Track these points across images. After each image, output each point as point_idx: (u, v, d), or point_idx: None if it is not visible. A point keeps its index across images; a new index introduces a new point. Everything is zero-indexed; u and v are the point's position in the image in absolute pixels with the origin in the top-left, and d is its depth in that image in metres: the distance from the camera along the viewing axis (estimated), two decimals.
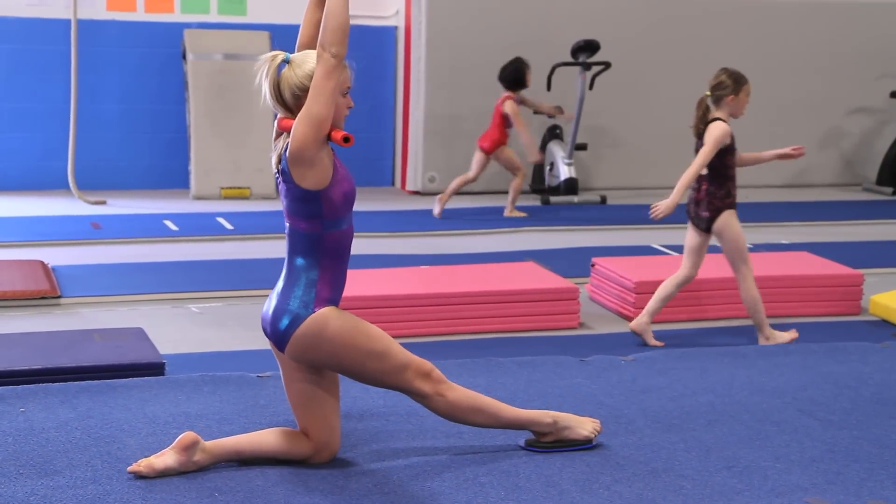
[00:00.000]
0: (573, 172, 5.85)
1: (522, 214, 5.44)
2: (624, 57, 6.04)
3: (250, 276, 4.05)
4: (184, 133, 5.91)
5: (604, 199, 5.90)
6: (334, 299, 2.19)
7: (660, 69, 6.28)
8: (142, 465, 2.15)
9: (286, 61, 2.15)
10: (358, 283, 3.49)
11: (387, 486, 2.17)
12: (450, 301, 3.41)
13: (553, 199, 5.82)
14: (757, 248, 4.75)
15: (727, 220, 3.37)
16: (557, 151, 5.91)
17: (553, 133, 6.01)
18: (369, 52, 6.11)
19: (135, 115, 5.88)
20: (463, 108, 6.04)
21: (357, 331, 2.17)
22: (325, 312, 2.16)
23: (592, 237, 4.96)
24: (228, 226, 5.00)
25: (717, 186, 3.37)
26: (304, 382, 2.20)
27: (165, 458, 2.15)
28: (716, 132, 3.32)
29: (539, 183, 6.03)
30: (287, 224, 2.20)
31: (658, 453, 2.35)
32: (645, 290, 3.60)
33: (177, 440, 2.17)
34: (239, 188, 5.78)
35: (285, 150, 2.15)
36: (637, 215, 5.58)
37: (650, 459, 2.32)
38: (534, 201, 5.89)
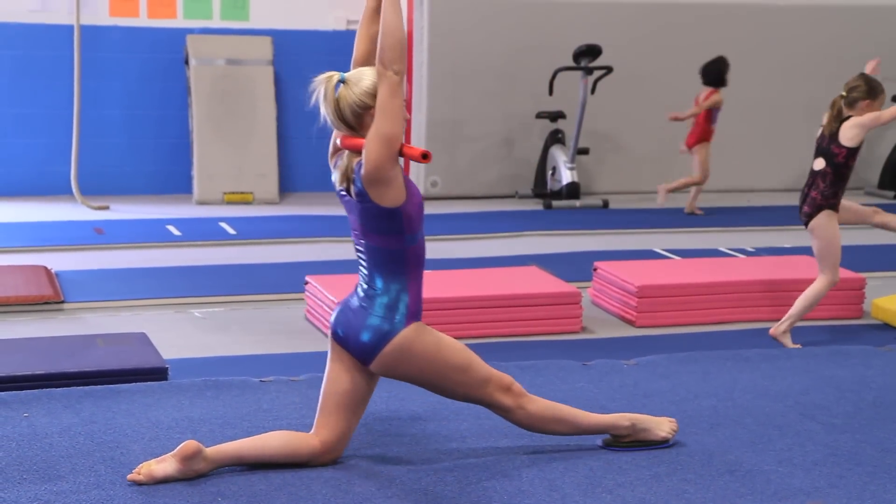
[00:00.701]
0: (575, 177, 5.86)
1: (700, 213, 5.62)
2: (626, 61, 6.05)
3: (253, 280, 4.06)
4: (186, 138, 5.92)
5: (606, 204, 5.91)
6: (419, 312, 2.23)
7: (661, 74, 6.29)
8: (142, 472, 2.15)
9: (342, 81, 2.17)
10: None
11: (390, 489, 2.18)
12: (452, 305, 3.42)
13: (555, 203, 5.83)
14: (759, 251, 4.76)
15: (824, 220, 3.31)
16: (559, 155, 5.92)
17: (555, 137, 6.02)
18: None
19: (137, 120, 5.90)
20: (465, 114, 6.05)
21: (442, 345, 2.22)
22: (414, 328, 2.21)
23: (595, 241, 4.97)
24: (231, 231, 5.01)
25: (830, 185, 3.32)
26: (353, 388, 2.23)
27: (166, 465, 2.15)
28: (864, 118, 3.27)
29: (541, 187, 6.04)
30: (363, 241, 2.21)
31: (661, 457, 2.35)
32: (647, 294, 3.60)
33: (178, 448, 2.17)
34: (241, 193, 5.79)
35: (357, 172, 2.16)
36: (639, 219, 5.60)
37: (653, 463, 2.32)
38: (536, 205, 5.89)
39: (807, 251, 4.56)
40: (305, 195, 6.06)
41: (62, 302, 3.65)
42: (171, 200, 5.77)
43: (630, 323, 3.62)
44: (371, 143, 2.11)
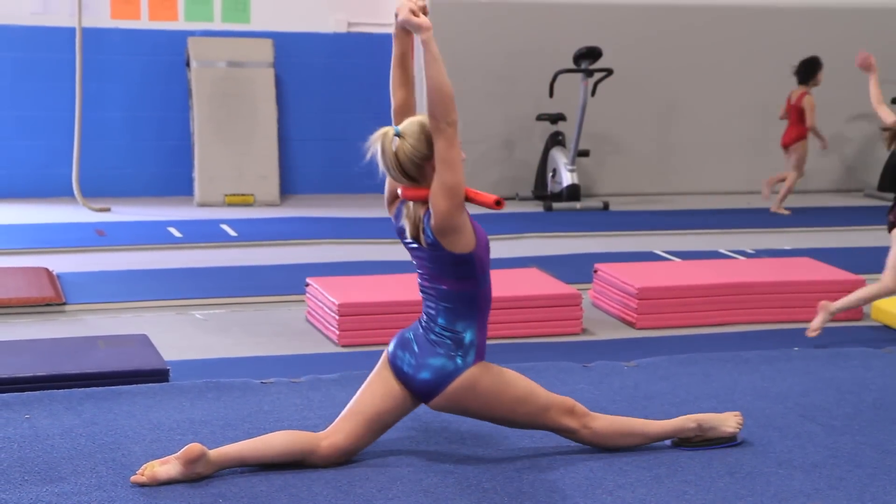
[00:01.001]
0: (576, 179, 5.87)
1: (787, 213, 5.69)
2: (626, 64, 6.06)
3: (254, 282, 4.06)
4: (187, 140, 5.93)
5: (606, 206, 5.91)
6: (484, 352, 2.27)
7: (662, 76, 6.30)
8: (145, 475, 2.16)
9: (397, 134, 2.20)
10: (361, 289, 3.50)
11: (391, 491, 2.18)
12: None
13: (556, 205, 5.84)
14: (759, 253, 4.76)
15: None
16: (560, 158, 5.93)
17: (555, 139, 6.03)
18: (372, 59, 6.13)
19: (139, 122, 5.90)
20: (465, 116, 5.99)
21: (504, 380, 2.26)
22: (479, 367, 2.24)
23: (595, 243, 4.97)
24: (232, 232, 5.01)
25: None
26: (392, 411, 2.27)
27: (169, 468, 2.16)
28: None
29: (542, 189, 6.05)
30: (434, 286, 2.24)
31: (661, 459, 2.35)
32: (647, 295, 3.60)
33: (182, 452, 2.17)
34: (242, 195, 5.80)
35: (426, 222, 2.19)
36: (639, 221, 5.60)
37: (653, 465, 2.32)
38: (536, 207, 5.90)
39: (806, 253, 4.58)
40: (306, 197, 6.07)
41: (63, 303, 3.66)
42: (172, 202, 5.78)
43: (630, 325, 3.63)
44: (437, 196, 2.15)
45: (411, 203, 2.22)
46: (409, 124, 2.21)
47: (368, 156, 2.21)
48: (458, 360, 2.22)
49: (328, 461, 2.26)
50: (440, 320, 2.24)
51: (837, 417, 2.64)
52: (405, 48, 2.27)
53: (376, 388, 2.27)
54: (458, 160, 2.13)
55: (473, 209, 2.30)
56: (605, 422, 2.34)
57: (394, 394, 2.26)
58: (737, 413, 2.45)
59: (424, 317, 2.28)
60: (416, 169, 2.19)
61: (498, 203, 2.19)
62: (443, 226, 2.16)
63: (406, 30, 2.23)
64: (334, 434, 2.25)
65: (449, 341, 2.23)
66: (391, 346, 2.30)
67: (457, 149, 2.13)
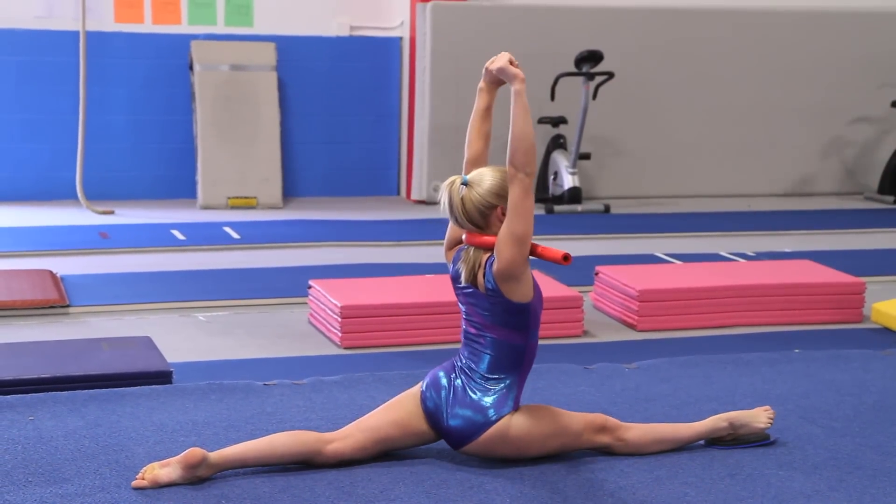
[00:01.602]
0: (577, 181, 5.88)
1: None
2: (627, 67, 6.07)
3: (257, 284, 4.08)
4: (191, 143, 5.95)
5: (607, 208, 5.92)
6: (518, 402, 2.29)
7: (663, 78, 6.31)
8: (146, 478, 2.17)
9: (464, 183, 2.24)
10: (363, 291, 3.51)
11: (393, 492, 2.19)
12: (454, 309, 3.41)
13: (557, 207, 5.85)
14: (759, 256, 4.77)
15: None
16: (561, 161, 5.94)
17: (557, 142, 6.04)
18: (374, 62, 6.15)
19: (142, 125, 5.92)
20: (467, 119, 6.03)
21: (533, 420, 2.27)
22: (512, 416, 2.26)
23: (596, 246, 4.98)
24: (235, 235, 5.03)
25: None
26: (406, 438, 2.29)
27: (170, 471, 2.17)
28: None
29: (543, 192, 6.06)
30: (484, 334, 2.26)
31: (662, 461, 2.36)
32: (648, 298, 3.61)
33: (182, 456, 2.18)
34: (245, 198, 5.82)
35: (488, 268, 2.22)
36: (640, 224, 5.61)
37: (654, 467, 2.33)
38: (538, 210, 5.90)
39: (806, 255, 4.58)
40: (309, 200, 6.08)
41: (67, 306, 3.67)
42: (175, 205, 5.79)
43: (631, 327, 3.64)
44: (505, 243, 2.18)
45: (472, 249, 2.26)
46: (479, 174, 2.27)
47: (440, 205, 2.26)
48: (492, 412, 2.24)
49: (330, 463, 2.27)
50: (482, 368, 2.26)
51: (838, 419, 2.65)
52: (490, 101, 2.35)
53: (398, 416, 2.30)
54: (531, 210, 2.18)
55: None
56: (638, 431, 2.36)
57: (413, 427, 2.29)
58: (767, 408, 2.46)
59: (463, 362, 2.29)
60: (482, 217, 2.24)
61: (566, 258, 2.22)
62: (506, 273, 2.19)
63: (494, 83, 2.31)
64: (342, 440, 2.27)
65: (488, 392, 2.25)
66: (424, 385, 2.32)
67: (531, 199, 2.17)
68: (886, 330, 3.63)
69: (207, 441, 2.37)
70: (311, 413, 2.62)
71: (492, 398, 2.25)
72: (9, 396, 2.64)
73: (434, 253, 4.96)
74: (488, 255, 2.23)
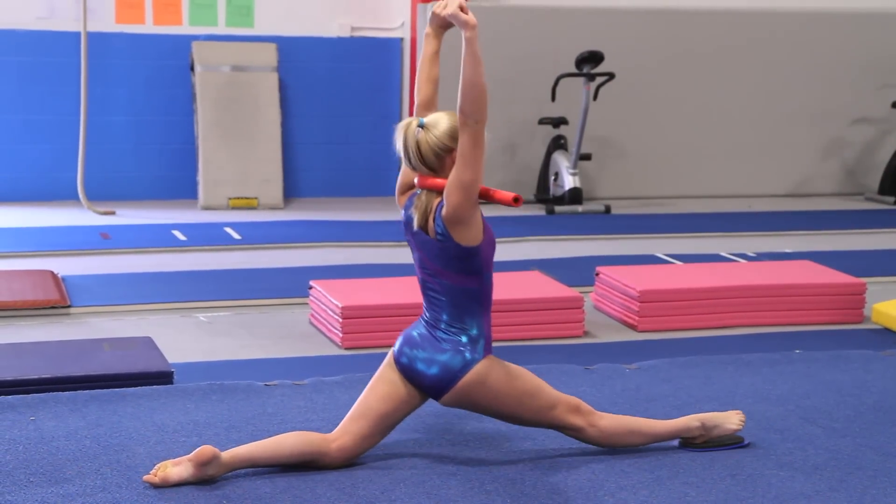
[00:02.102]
0: (577, 182, 5.88)
1: None
2: (628, 67, 6.07)
3: (258, 285, 4.08)
4: (192, 144, 5.96)
5: (608, 209, 5.92)
6: (490, 346, 2.28)
7: (663, 79, 6.31)
8: (157, 476, 2.17)
9: (421, 126, 2.23)
10: (364, 292, 3.51)
11: (394, 493, 2.19)
12: None
13: (557, 208, 5.85)
14: (760, 256, 4.77)
15: None
16: (562, 161, 5.94)
17: (557, 143, 6.04)
18: (375, 63, 6.16)
19: (143, 126, 5.93)
20: None
21: (513, 375, 2.27)
22: (487, 361, 2.26)
23: (597, 246, 4.98)
24: (236, 236, 5.03)
25: None
26: (398, 410, 2.28)
27: (181, 469, 2.17)
28: None
29: (544, 193, 6.06)
30: (437, 280, 2.25)
31: (662, 461, 2.37)
32: (649, 298, 3.62)
33: (194, 454, 2.18)
34: (246, 198, 5.82)
35: (438, 212, 2.21)
36: (641, 224, 5.61)
37: (655, 467, 2.33)
38: (538, 211, 5.91)
39: (807, 256, 4.59)
40: (310, 200, 6.09)
41: (69, 306, 3.67)
42: (176, 206, 5.80)
43: (632, 327, 3.64)
44: (452, 192, 2.17)
45: (424, 193, 2.24)
46: (435, 117, 2.24)
47: (397, 147, 2.23)
48: (467, 355, 2.24)
49: (338, 463, 2.28)
50: (445, 316, 2.25)
51: (838, 420, 2.66)
52: (438, 46, 2.32)
53: (380, 389, 2.29)
54: (480, 159, 2.16)
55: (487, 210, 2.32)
56: (611, 420, 2.35)
57: (399, 393, 2.28)
58: (738, 411, 2.47)
59: (428, 314, 2.29)
60: (437, 160, 2.22)
61: (516, 200, 2.21)
62: (454, 217, 2.18)
63: (441, 27, 2.27)
64: (342, 436, 2.27)
65: (456, 337, 2.24)
66: (397, 346, 2.31)
67: (481, 148, 2.15)
68: (887, 330, 3.63)
69: (209, 441, 2.37)
70: (312, 414, 2.62)
71: (461, 343, 2.23)
72: (10, 397, 2.64)
73: None
74: (439, 199, 2.21)
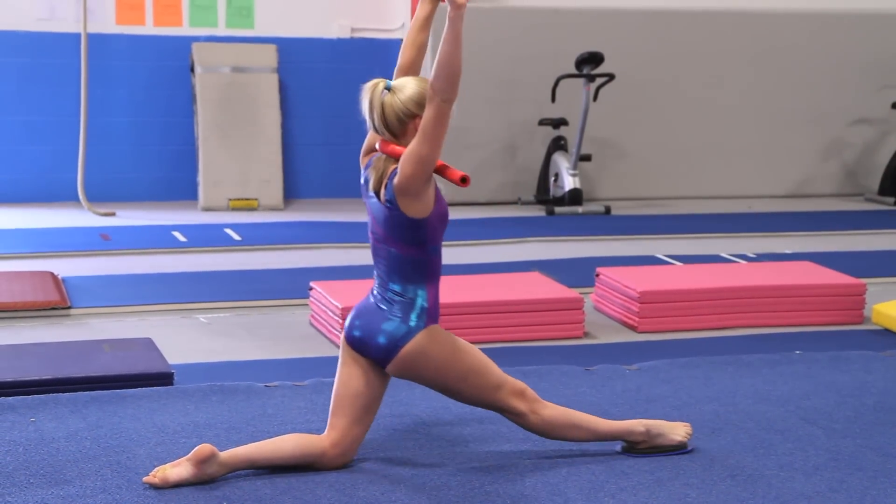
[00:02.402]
0: (577, 183, 5.88)
1: None
2: (628, 69, 6.07)
3: (258, 286, 4.08)
4: (192, 145, 5.96)
5: (608, 210, 5.92)
6: (436, 316, 2.26)
7: (664, 80, 6.31)
8: (157, 476, 2.17)
9: (387, 88, 2.21)
10: (364, 293, 3.50)
11: (394, 494, 2.20)
12: (455, 311, 3.44)
13: (557, 209, 5.85)
14: (760, 257, 4.77)
15: None
16: (562, 162, 5.94)
17: (557, 144, 6.04)
18: (375, 64, 6.15)
19: (144, 127, 5.93)
20: (468, 121, 6.08)
21: (458, 348, 2.25)
22: (430, 331, 2.23)
23: (597, 247, 4.98)
24: (236, 237, 5.03)
25: None
26: (366, 389, 2.26)
27: (180, 469, 2.17)
28: None
29: (544, 194, 6.07)
30: (384, 247, 2.24)
31: (663, 462, 2.37)
32: (649, 299, 3.62)
33: (193, 452, 2.18)
34: (246, 199, 5.82)
35: (390, 180, 2.19)
36: (641, 225, 5.62)
37: (655, 468, 2.33)
38: (538, 212, 5.92)
39: (807, 257, 4.59)
40: (310, 201, 6.09)
41: (69, 307, 3.68)
42: (176, 207, 5.80)
43: (632, 328, 3.64)
44: (407, 163, 2.15)
45: (383, 157, 2.23)
46: (403, 81, 2.22)
47: (363, 108, 2.20)
48: (411, 324, 2.21)
49: (338, 460, 2.27)
50: (391, 284, 2.24)
51: (838, 421, 2.66)
52: (431, 12, 2.31)
53: (344, 374, 2.28)
54: (440, 137, 2.12)
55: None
56: (554, 411, 2.31)
57: (360, 372, 2.26)
58: (686, 424, 2.43)
59: (377, 281, 2.27)
60: (400, 125, 2.20)
61: (463, 180, 2.18)
62: (404, 187, 2.16)
63: None
64: (331, 432, 2.27)
65: (401, 304, 2.22)
66: (347, 321, 2.30)
67: (443, 126, 2.12)
68: (887, 331, 3.63)
69: (209, 442, 2.36)
70: (313, 415, 2.62)
71: (406, 311, 2.21)
72: (10, 398, 2.64)
73: None
74: (395, 166, 2.19)
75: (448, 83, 2.10)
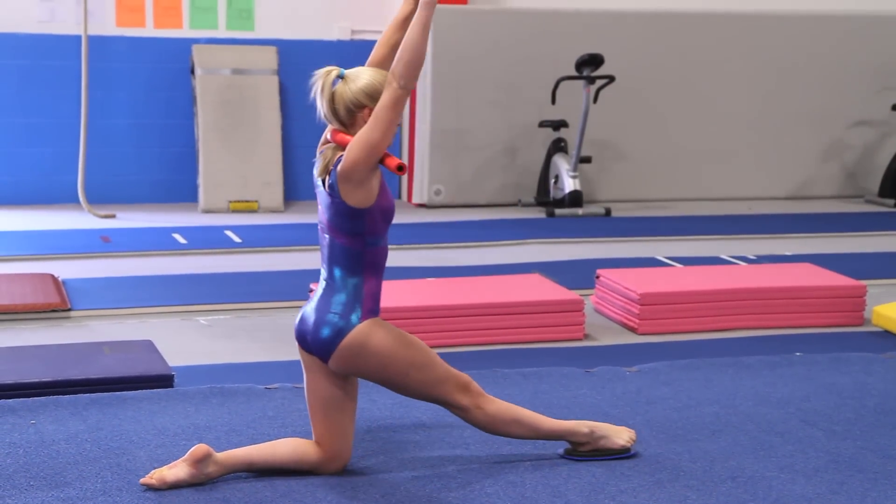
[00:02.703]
0: (578, 185, 5.88)
1: None
2: (628, 71, 6.08)
3: (258, 288, 4.08)
4: (192, 147, 5.96)
5: (608, 212, 5.93)
6: (376, 310, 2.23)
7: (663, 82, 6.32)
8: (154, 477, 2.18)
9: (340, 76, 2.19)
10: None
11: (394, 496, 2.20)
12: (455, 313, 3.44)
13: (558, 211, 5.85)
14: (760, 259, 4.77)
15: None
16: (562, 164, 5.95)
17: (557, 146, 6.05)
18: None
19: (144, 129, 5.94)
20: (468, 123, 6.09)
21: (399, 342, 2.21)
22: (371, 323, 2.20)
23: (597, 249, 4.99)
24: (236, 239, 5.04)
25: None
26: (330, 390, 2.23)
27: (177, 470, 2.18)
28: None
29: (544, 196, 6.07)
30: (326, 236, 2.23)
31: (663, 464, 2.37)
32: (650, 301, 3.62)
33: (189, 453, 2.19)
34: (247, 202, 5.83)
35: (335, 165, 2.17)
36: (641, 227, 5.62)
37: (655, 470, 2.34)
38: (538, 214, 5.92)
39: (807, 259, 4.59)
40: (310, 203, 6.09)
41: (69, 309, 3.68)
42: (176, 209, 5.80)
43: (632, 330, 3.64)
44: (354, 147, 2.13)
45: (332, 145, 2.21)
46: (357, 71, 2.21)
47: (311, 94, 2.19)
48: (352, 318, 2.18)
49: (335, 463, 2.26)
50: (331, 275, 2.22)
51: (839, 422, 2.66)
52: (410, 12, 2.29)
53: (309, 382, 2.26)
54: (393, 124, 2.11)
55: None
56: (498, 406, 2.28)
57: (322, 376, 2.23)
58: (632, 430, 2.42)
59: (323, 272, 2.25)
60: (349, 115, 2.18)
61: (400, 168, 2.15)
62: (347, 173, 2.13)
63: None
64: (318, 438, 2.26)
65: (343, 296, 2.20)
66: (296, 323, 2.27)
67: (396, 113, 2.10)
68: (887, 333, 3.63)
69: (209, 444, 2.36)
70: None
71: (341, 303, 2.18)
72: (10, 400, 2.65)
73: (436, 256, 4.97)
74: (341, 153, 2.17)
75: (409, 69, 2.09)
